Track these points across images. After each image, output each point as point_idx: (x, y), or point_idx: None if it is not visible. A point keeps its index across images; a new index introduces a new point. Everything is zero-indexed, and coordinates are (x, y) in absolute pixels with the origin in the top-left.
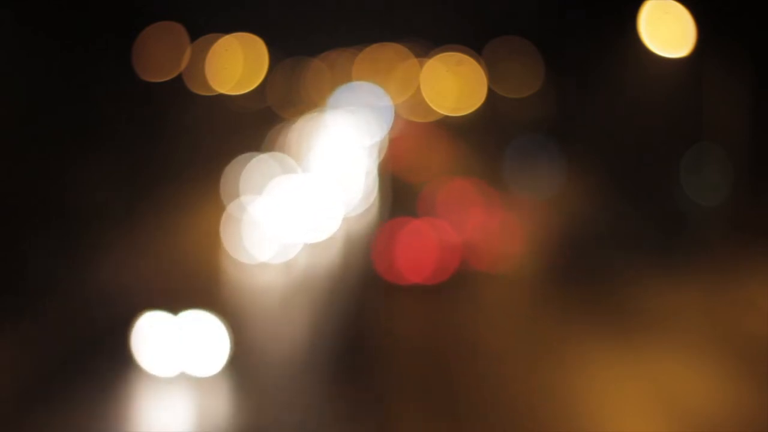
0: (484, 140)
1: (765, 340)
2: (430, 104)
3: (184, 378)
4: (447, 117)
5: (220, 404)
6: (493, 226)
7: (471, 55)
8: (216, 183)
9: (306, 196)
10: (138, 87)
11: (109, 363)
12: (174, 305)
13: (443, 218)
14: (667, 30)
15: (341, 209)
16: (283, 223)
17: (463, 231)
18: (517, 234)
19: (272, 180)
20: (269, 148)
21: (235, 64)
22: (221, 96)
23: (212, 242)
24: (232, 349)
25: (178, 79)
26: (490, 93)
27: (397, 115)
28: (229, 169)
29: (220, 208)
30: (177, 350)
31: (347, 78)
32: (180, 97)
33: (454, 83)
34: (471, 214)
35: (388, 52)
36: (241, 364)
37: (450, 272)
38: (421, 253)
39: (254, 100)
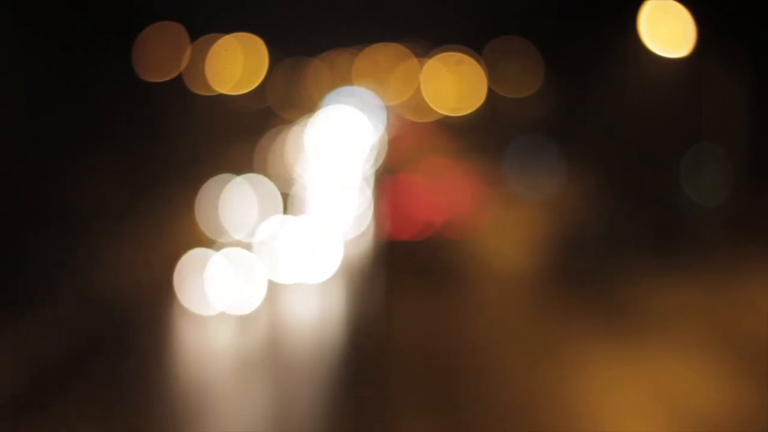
0: (484, 140)
1: (765, 340)
2: (430, 104)
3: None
4: (447, 117)
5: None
6: (466, 198)
7: (471, 55)
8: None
9: (296, 233)
10: (138, 87)
11: (109, 363)
12: None
13: (426, 183)
14: (667, 30)
15: (338, 247)
16: (255, 267)
17: (441, 199)
18: (485, 206)
19: (253, 212)
20: (255, 165)
21: (235, 64)
22: (221, 96)
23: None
24: None
25: (178, 79)
26: (490, 93)
27: (396, 115)
28: (202, 196)
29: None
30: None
31: (344, 79)
32: (180, 97)
33: (454, 83)
34: (449, 185)
35: (388, 52)
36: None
37: (428, 234)
38: (407, 210)
39: (254, 100)
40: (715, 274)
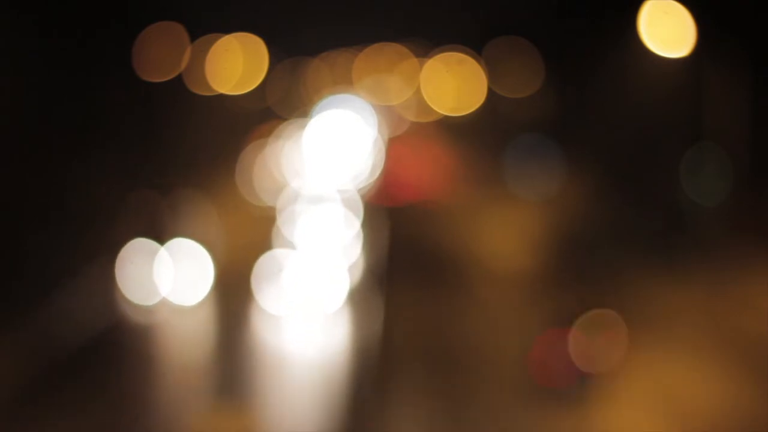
0: (484, 140)
1: (765, 340)
2: (430, 104)
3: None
4: (447, 117)
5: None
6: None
7: (471, 55)
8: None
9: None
10: (138, 87)
11: (109, 360)
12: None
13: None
14: (667, 30)
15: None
16: None
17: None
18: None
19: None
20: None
21: (235, 64)
22: (221, 96)
23: None
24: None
25: (178, 79)
26: (490, 93)
27: (396, 115)
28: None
29: None
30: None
31: (343, 80)
32: (180, 97)
33: (454, 83)
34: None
35: (388, 52)
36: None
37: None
38: (397, 181)
39: (254, 100)
40: (715, 274)
